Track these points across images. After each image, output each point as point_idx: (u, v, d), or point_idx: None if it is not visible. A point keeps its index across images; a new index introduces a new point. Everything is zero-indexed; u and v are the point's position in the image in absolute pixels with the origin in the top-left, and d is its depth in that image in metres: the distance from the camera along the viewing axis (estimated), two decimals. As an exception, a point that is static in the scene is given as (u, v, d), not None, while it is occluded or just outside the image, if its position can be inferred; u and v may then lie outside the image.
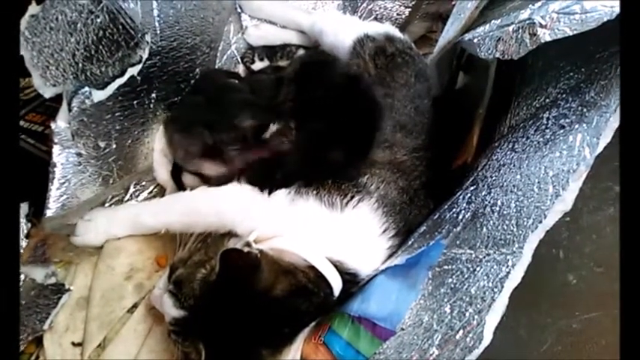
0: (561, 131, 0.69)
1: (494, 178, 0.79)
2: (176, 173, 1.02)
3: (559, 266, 0.72)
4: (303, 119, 0.98)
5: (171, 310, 0.77)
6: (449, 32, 0.95)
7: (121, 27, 0.85)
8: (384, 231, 0.86)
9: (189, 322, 0.76)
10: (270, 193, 0.88)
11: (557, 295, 0.74)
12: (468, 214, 0.78)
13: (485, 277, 0.64)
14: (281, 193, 0.87)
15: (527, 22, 0.68)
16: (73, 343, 0.88)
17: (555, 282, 0.73)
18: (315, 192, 0.86)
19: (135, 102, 0.97)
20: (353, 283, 0.83)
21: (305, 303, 0.79)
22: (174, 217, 0.91)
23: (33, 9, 0.73)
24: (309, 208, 0.85)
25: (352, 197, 0.86)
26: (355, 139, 0.94)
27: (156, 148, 1.07)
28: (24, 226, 0.81)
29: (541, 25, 0.66)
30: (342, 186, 0.87)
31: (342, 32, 1.12)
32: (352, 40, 1.08)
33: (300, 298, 0.78)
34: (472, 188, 0.83)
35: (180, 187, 1.01)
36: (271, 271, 0.76)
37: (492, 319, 0.59)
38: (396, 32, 1.12)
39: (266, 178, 0.90)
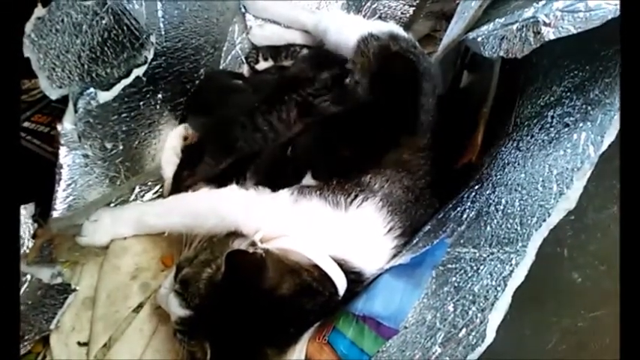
0: (566, 130, 0.69)
1: (498, 176, 0.79)
2: (179, 174, 1.02)
3: (563, 264, 0.72)
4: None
5: (177, 310, 0.77)
6: (453, 31, 0.95)
7: (125, 28, 0.85)
8: (389, 230, 0.86)
9: (195, 322, 0.77)
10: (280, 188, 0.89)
11: (561, 294, 0.73)
12: (473, 212, 0.78)
13: (489, 276, 0.64)
14: (284, 193, 0.87)
15: (532, 20, 0.68)
16: (79, 343, 0.89)
17: (560, 280, 0.72)
18: (318, 191, 0.86)
19: (141, 103, 0.97)
20: (358, 282, 0.83)
21: (310, 302, 0.79)
22: (177, 218, 0.92)
23: (39, 11, 0.73)
24: (313, 208, 0.85)
25: (356, 196, 0.86)
26: (374, 139, 0.95)
27: (167, 146, 1.07)
28: (30, 227, 0.81)
29: (545, 24, 0.66)
30: (346, 185, 0.88)
31: (346, 31, 1.12)
32: (356, 38, 1.08)
33: (305, 298, 0.78)
34: (476, 187, 0.83)
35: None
36: (276, 270, 0.77)
37: (495, 318, 0.59)
38: (400, 31, 1.12)
39: (275, 174, 0.91)
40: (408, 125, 0.96)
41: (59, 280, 0.89)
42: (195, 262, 0.80)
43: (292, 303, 0.77)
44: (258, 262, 0.74)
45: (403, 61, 1.03)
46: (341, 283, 0.80)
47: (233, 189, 0.90)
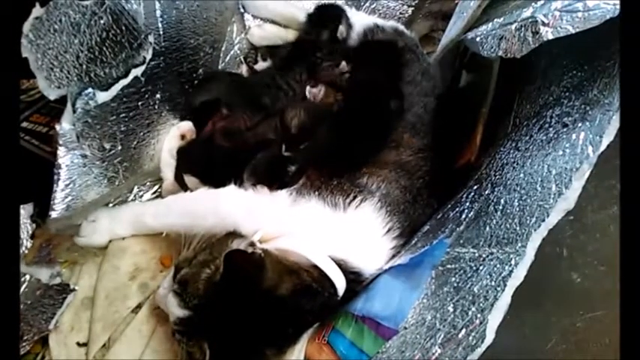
0: (564, 129, 0.69)
1: (497, 176, 0.79)
2: (179, 174, 1.02)
3: (563, 265, 0.72)
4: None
5: (175, 310, 0.77)
6: (452, 31, 0.95)
7: (124, 28, 0.85)
8: (388, 230, 0.86)
9: (193, 322, 0.76)
10: (278, 189, 0.89)
11: (561, 294, 0.74)
12: (472, 213, 0.78)
13: (488, 276, 0.64)
14: (283, 193, 0.87)
15: (530, 20, 0.68)
16: (78, 344, 0.88)
17: (559, 281, 0.73)
18: (317, 192, 0.86)
19: (139, 103, 0.97)
20: (357, 282, 0.83)
21: (309, 302, 0.79)
22: (176, 218, 0.91)
23: (37, 11, 0.73)
24: (312, 208, 0.85)
25: (355, 197, 0.86)
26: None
27: (164, 148, 1.07)
28: (29, 227, 0.81)
29: (543, 24, 0.66)
30: (345, 186, 0.88)
31: (351, 21, 1.13)
32: (362, 28, 1.08)
33: (304, 298, 0.78)
34: (475, 187, 0.83)
35: (184, 187, 1.01)
36: (275, 270, 0.76)
37: (495, 318, 0.59)
38: (404, 28, 1.13)
39: (275, 173, 0.91)
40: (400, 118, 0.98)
41: (58, 280, 0.89)
42: (194, 262, 0.80)
43: (291, 303, 0.77)
44: (256, 262, 0.74)
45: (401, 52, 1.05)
46: (340, 284, 0.80)
47: (232, 189, 0.90)
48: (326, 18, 1.15)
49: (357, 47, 1.11)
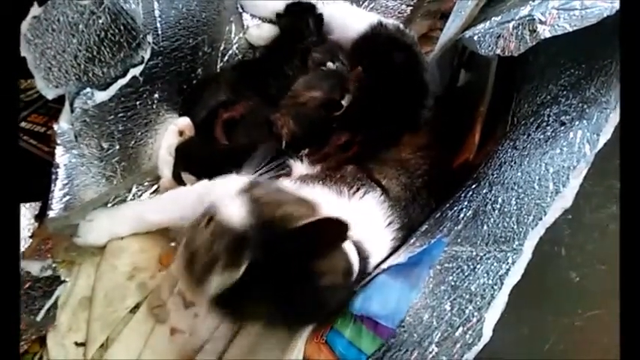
0: (562, 128, 0.69)
1: (495, 175, 0.79)
2: (177, 172, 1.02)
3: (561, 264, 0.72)
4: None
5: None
6: (450, 30, 0.95)
7: (122, 27, 0.85)
8: (389, 224, 0.85)
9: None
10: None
11: (559, 293, 0.73)
12: (469, 211, 0.78)
13: (486, 275, 0.64)
14: (286, 182, 0.86)
15: (527, 18, 0.68)
16: (76, 343, 0.88)
17: (558, 280, 0.73)
18: (321, 182, 0.86)
19: (137, 103, 0.97)
20: (363, 272, 0.82)
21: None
22: (177, 212, 0.91)
23: (35, 10, 0.73)
24: (317, 195, 0.83)
25: (358, 189, 0.86)
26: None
27: (162, 145, 1.07)
28: (29, 226, 0.81)
29: (541, 22, 0.66)
30: (348, 179, 0.88)
31: (354, 16, 1.14)
32: (366, 25, 1.08)
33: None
34: (473, 186, 0.83)
35: (182, 185, 1.01)
36: None
37: (492, 316, 0.59)
38: (405, 28, 1.13)
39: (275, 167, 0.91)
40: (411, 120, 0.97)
41: (49, 272, 0.89)
42: None
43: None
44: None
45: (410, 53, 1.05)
46: (356, 266, 0.77)
47: (232, 178, 0.89)
48: (302, 9, 1.20)
49: (364, 42, 1.10)
